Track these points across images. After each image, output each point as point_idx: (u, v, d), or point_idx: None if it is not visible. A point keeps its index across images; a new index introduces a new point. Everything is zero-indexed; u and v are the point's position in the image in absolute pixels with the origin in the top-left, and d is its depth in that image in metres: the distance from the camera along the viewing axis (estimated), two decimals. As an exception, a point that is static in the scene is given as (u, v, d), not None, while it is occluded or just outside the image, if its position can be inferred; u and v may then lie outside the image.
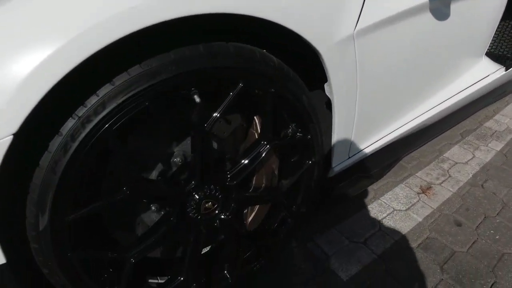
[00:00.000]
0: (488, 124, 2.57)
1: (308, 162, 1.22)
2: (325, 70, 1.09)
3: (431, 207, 1.71)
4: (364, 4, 1.15)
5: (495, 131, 2.47)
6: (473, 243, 1.53)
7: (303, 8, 0.97)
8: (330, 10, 1.04)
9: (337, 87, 1.14)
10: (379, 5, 1.17)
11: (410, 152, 2.02)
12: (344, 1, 1.09)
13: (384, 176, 1.89)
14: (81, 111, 0.77)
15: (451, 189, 1.83)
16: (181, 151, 1.05)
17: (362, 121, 1.34)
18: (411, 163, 2.03)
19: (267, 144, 1.08)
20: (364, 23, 1.13)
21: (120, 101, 0.78)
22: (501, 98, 2.88)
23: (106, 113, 0.78)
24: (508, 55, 2.79)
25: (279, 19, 0.92)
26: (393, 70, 1.36)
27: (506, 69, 2.50)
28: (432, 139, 2.17)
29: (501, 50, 2.82)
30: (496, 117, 2.70)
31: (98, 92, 0.78)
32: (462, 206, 1.72)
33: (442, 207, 1.71)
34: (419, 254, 1.47)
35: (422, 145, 2.07)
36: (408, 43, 1.37)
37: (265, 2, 0.88)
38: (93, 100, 0.77)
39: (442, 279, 1.38)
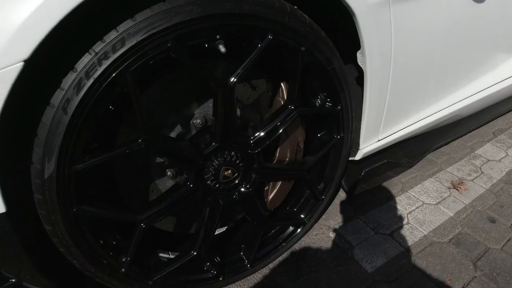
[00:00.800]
0: (521, 125, 2.44)
1: (336, 137, 1.13)
2: (359, 34, 1.01)
3: (463, 202, 1.59)
4: None
5: (529, 132, 2.34)
6: (508, 240, 1.41)
7: None
8: None
9: (371, 55, 1.06)
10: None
11: (441, 146, 1.91)
12: None
13: (413, 169, 1.78)
14: (98, 47, 0.70)
15: (484, 186, 1.70)
16: (202, 113, 0.97)
17: (395, 100, 1.24)
18: (441, 158, 1.91)
19: (294, 110, 0.99)
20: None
21: (141, 38, 0.71)
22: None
23: (125, 51, 0.71)
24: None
25: None
26: (429, 45, 1.26)
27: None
28: (464, 134, 2.06)
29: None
30: (529, 119, 2.57)
31: (118, 27, 0.71)
32: (496, 203, 1.60)
33: (475, 203, 1.59)
34: (451, 249, 1.35)
35: (453, 140, 1.96)
36: (445, 19, 1.28)
37: None
38: (112, 36, 0.71)
39: (475, 276, 1.26)
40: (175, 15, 0.74)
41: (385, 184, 1.67)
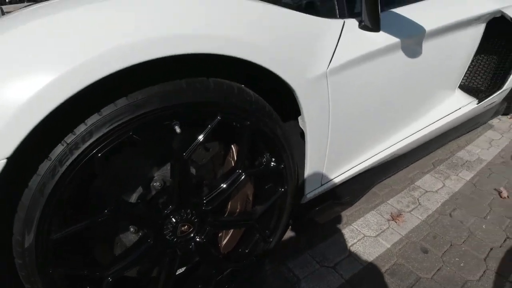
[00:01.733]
0: (460, 154, 2.70)
1: (281, 189, 1.30)
2: (299, 104, 1.19)
3: (400, 234, 1.80)
4: (338, 44, 1.26)
5: (466, 161, 2.60)
6: (438, 270, 1.62)
7: (278, 50, 1.07)
8: (303, 52, 1.15)
9: (310, 120, 1.24)
10: (352, 45, 1.28)
11: (382, 180, 2.12)
12: (318, 42, 1.19)
13: (357, 203, 1.97)
14: (70, 138, 0.84)
15: (420, 217, 1.92)
16: (161, 176, 1.12)
17: (334, 152, 1.44)
18: (383, 190, 2.12)
19: (242, 173, 1.16)
20: (337, 62, 1.24)
21: (106, 130, 0.86)
22: (474, 129, 3.02)
23: (93, 141, 0.85)
24: (482, 88, 2.95)
25: (256, 60, 1.02)
26: (365, 105, 1.47)
27: (479, 102, 2.64)
28: (404, 168, 2.28)
29: (475, 83, 2.97)
30: (468, 147, 2.84)
31: (86, 121, 0.85)
32: (429, 234, 1.81)
33: (411, 234, 1.80)
34: (386, 280, 1.55)
35: (394, 174, 2.17)
36: (380, 80, 1.48)
37: (243, 46, 0.98)
38: (81, 128, 0.85)
39: (407, 303, 1.46)
40: (137, 108, 0.89)
41: (332, 218, 1.85)
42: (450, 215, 1.96)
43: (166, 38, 0.86)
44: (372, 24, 1.23)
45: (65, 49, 0.77)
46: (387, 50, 1.43)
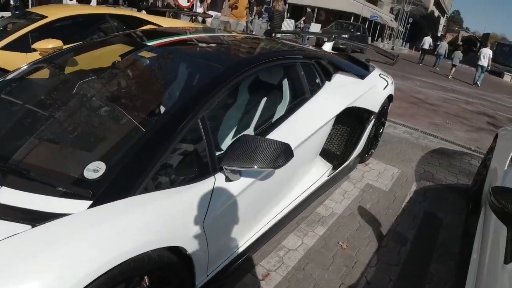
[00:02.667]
0: (319, 209, 3.51)
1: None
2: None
3: (266, 291, 2.47)
4: (211, 201, 1.82)
5: (322, 216, 3.41)
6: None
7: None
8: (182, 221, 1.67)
9: (195, 257, 1.76)
10: (219, 202, 1.85)
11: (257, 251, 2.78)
12: (201, 205, 1.73)
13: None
14: None
15: (281, 274, 2.61)
16: None
17: (213, 260, 2.00)
18: (257, 253, 2.78)
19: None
20: (209, 218, 1.79)
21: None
22: (332, 186, 3.85)
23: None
24: (337, 153, 3.84)
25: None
26: (235, 222, 2.09)
27: (334, 168, 3.48)
28: (273, 236, 2.96)
29: (332, 148, 3.84)
30: (326, 201, 3.67)
31: None
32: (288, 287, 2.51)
33: (274, 290, 2.48)
34: (254, 331, 2.19)
35: (266, 242, 2.84)
36: (244, 205, 2.10)
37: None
38: None
39: None
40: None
41: None
42: (303, 269, 2.70)
43: None
44: (232, 177, 1.85)
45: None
46: (247, 187, 2.04)
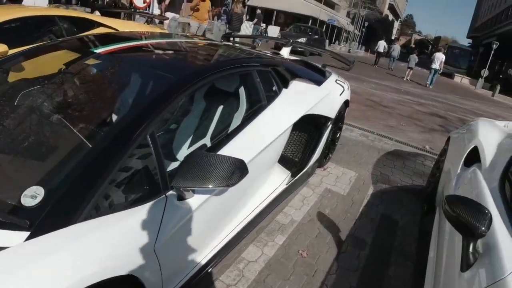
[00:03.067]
0: (278, 217, 3.47)
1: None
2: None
3: (225, 307, 2.40)
4: (160, 227, 1.71)
5: (282, 224, 3.38)
6: (251, 332, 2.25)
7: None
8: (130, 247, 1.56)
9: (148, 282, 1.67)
10: (172, 222, 1.76)
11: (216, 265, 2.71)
12: (151, 228, 1.64)
13: (197, 284, 2.51)
14: None
15: (242, 288, 2.56)
16: None
17: (168, 281, 1.90)
18: (217, 267, 2.70)
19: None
20: (160, 240, 1.69)
21: None
22: (292, 192, 3.83)
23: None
24: (296, 159, 3.82)
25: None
26: (188, 244, 2.01)
27: (292, 176, 3.46)
28: (233, 248, 2.90)
29: (290, 154, 3.82)
30: (286, 209, 3.64)
31: None
32: (247, 302, 2.45)
33: (233, 305, 2.42)
34: None
35: (228, 253, 2.76)
36: (199, 222, 2.02)
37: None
38: None
39: None
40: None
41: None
42: (264, 281, 2.65)
43: None
44: (185, 195, 1.77)
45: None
46: (202, 204, 1.96)
